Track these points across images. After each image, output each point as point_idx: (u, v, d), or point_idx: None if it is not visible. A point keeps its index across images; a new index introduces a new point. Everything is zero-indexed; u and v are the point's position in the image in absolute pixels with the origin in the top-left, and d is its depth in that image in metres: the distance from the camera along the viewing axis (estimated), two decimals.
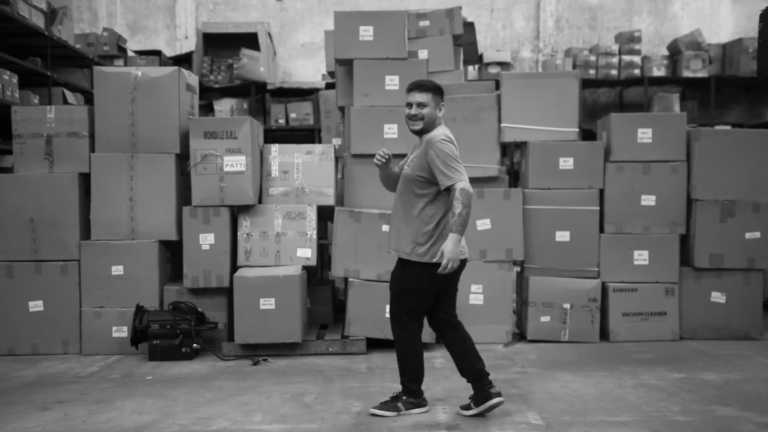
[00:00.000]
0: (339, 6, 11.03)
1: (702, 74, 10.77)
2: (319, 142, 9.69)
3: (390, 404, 3.96)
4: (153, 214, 5.48)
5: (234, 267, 5.45)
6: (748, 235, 5.70)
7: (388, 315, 5.33)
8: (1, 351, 5.44)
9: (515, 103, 5.77)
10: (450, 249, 3.64)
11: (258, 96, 11.30)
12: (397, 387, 4.43)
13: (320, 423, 3.82)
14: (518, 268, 5.97)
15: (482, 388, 3.87)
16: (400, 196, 3.94)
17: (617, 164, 5.74)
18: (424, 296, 3.88)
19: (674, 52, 11.02)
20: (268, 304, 5.13)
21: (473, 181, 5.71)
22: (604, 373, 4.76)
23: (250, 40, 11.02)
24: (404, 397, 3.96)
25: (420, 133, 3.91)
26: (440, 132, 3.87)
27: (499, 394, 3.86)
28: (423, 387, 4.00)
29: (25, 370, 5.02)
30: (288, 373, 4.82)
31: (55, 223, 5.46)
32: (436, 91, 3.92)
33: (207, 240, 5.41)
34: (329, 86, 9.55)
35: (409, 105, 3.92)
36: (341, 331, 5.54)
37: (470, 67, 10.75)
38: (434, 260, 3.74)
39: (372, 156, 5.64)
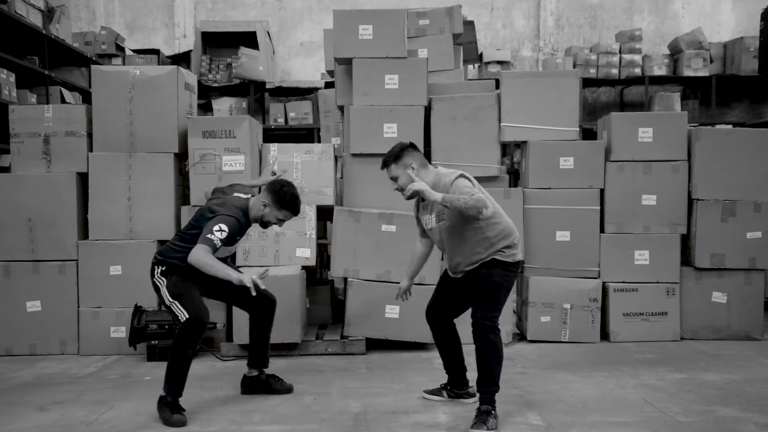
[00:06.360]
0: (338, 4, 10.99)
1: (703, 73, 10.74)
2: (319, 141, 9.69)
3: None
4: (151, 213, 5.45)
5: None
6: (749, 235, 5.68)
7: (387, 315, 5.36)
8: None
9: (515, 103, 5.74)
10: (421, 186, 3.64)
11: (257, 95, 11.27)
12: (396, 387, 4.43)
13: (319, 423, 3.79)
14: None
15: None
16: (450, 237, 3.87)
17: (618, 164, 5.71)
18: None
19: (675, 50, 10.99)
20: None
21: None
22: (604, 373, 4.73)
23: (248, 39, 10.99)
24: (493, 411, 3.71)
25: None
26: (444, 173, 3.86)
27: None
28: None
29: (22, 371, 5.00)
30: (287, 373, 4.78)
31: (53, 223, 5.44)
32: (398, 158, 3.85)
33: None
34: (328, 85, 9.52)
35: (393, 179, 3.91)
36: (340, 331, 5.52)
37: (470, 66, 10.72)
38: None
39: (372, 155, 5.69)
